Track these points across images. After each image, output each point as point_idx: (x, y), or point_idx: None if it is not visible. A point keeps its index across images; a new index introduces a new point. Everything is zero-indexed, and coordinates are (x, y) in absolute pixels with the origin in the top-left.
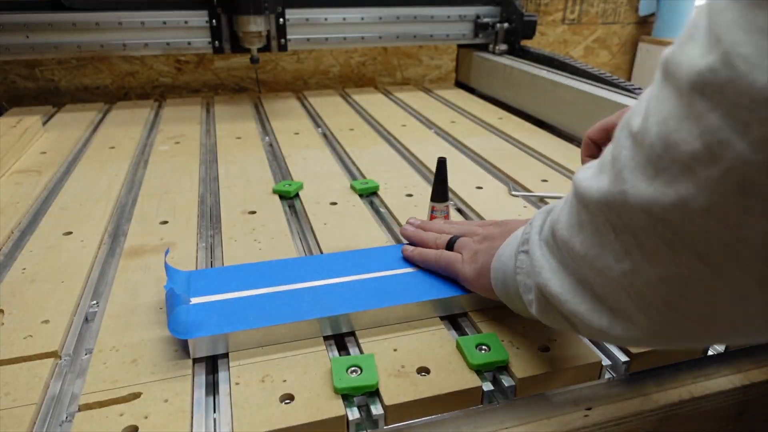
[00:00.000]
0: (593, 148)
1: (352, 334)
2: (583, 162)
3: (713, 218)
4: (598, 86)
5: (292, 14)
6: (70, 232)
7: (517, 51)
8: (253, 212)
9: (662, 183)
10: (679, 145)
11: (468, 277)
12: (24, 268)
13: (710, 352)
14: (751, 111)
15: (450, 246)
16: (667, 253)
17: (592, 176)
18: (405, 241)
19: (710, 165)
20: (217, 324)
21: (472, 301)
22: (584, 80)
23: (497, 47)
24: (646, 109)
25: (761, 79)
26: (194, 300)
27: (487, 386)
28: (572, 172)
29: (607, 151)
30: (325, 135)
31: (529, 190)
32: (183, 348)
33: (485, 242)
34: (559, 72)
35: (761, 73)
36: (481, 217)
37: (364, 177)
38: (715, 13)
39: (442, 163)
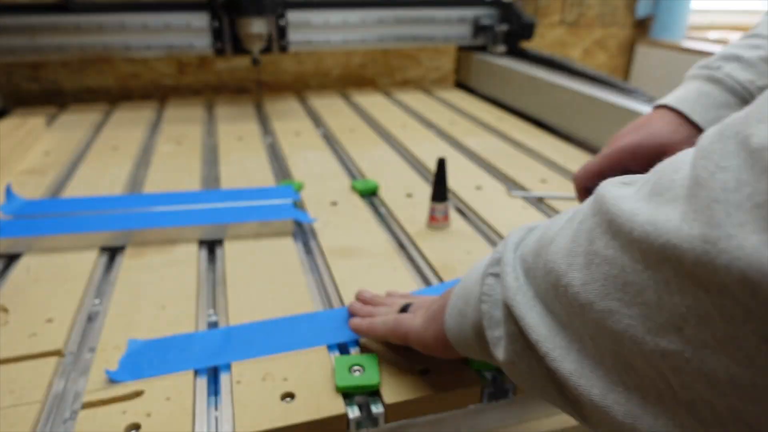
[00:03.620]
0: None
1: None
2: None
3: None
4: (597, 87)
5: (293, 16)
6: None
7: (516, 52)
8: None
9: None
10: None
11: (417, 328)
12: (28, 267)
13: None
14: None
15: (404, 311)
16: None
17: (640, 199)
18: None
19: None
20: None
21: None
22: (583, 81)
23: (496, 49)
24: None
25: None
26: None
27: (487, 385)
28: (572, 172)
29: (671, 167)
30: (325, 135)
31: (528, 190)
32: None
33: (444, 296)
34: (558, 73)
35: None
36: (480, 217)
37: (364, 177)
38: None
39: (441, 163)
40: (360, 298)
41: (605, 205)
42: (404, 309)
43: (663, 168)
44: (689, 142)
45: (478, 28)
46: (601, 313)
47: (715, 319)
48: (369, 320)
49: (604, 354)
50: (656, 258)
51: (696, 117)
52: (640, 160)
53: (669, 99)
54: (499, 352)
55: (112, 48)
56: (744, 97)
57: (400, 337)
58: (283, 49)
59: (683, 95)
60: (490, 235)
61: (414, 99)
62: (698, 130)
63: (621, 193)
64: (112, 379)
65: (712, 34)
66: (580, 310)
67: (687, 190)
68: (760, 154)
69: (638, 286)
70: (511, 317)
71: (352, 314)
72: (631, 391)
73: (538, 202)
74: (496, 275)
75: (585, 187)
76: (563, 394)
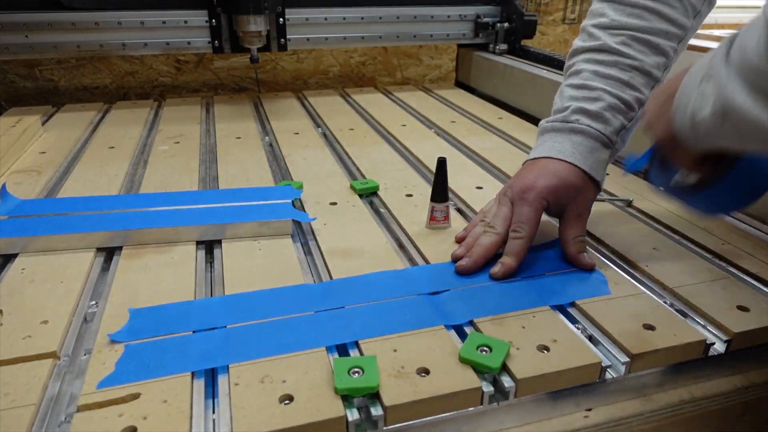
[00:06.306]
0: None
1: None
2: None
3: None
4: None
5: (292, 14)
6: None
7: (518, 51)
8: None
9: None
10: None
11: (651, 113)
12: (23, 269)
13: (711, 353)
14: None
15: None
16: None
17: None
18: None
19: None
20: None
21: None
22: None
23: (497, 47)
24: None
25: None
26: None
27: (487, 387)
28: None
29: None
30: (324, 135)
31: None
32: None
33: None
34: (559, 72)
35: None
36: None
37: (364, 177)
38: None
39: (442, 163)
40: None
41: None
42: None
43: None
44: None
45: (479, 26)
46: None
47: None
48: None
49: None
50: None
51: (585, 167)
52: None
53: (553, 153)
54: (705, 119)
55: (108, 46)
56: (604, 141)
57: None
58: (282, 47)
59: (561, 148)
60: None
61: (414, 98)
62: (587, 175)
63: None
64: (109, 382)
65: (716, 32)
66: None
67: None
68: None
69: None
70: (718, 95)
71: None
72: None
73: None
74: (710, 76)
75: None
76: (741, 133)
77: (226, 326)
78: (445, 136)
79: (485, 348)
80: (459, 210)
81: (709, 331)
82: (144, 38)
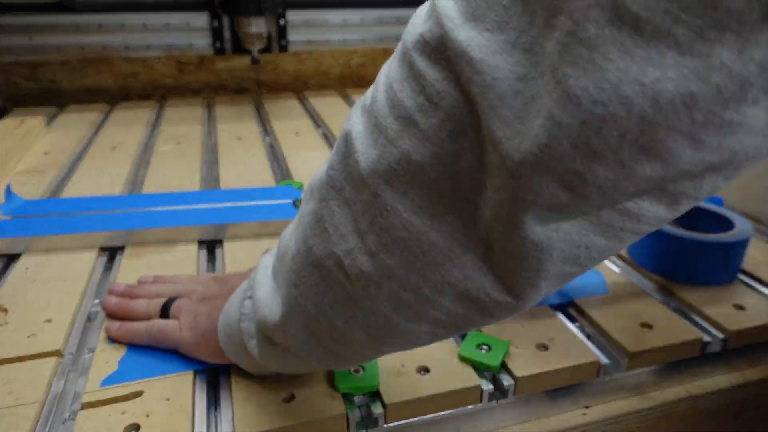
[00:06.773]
0: None
1: None
2: None
3: (432, 168)
4: None
5: (293, 15)
6: None
7: None
8: None
9: (386, 141)
10: (404, 101)
11: (189, 344)
12: (27, 268)
13: (707, 351)
14: (456, 63)
15: (165, 311)
16: (392, 216)
17: (322, 170)
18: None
19: (431, 114)
20: None
21: None
22: None
23: None
24: (375, 85)
25: (461, 35)
26: None
27: (487, 385)
28: None
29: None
30: (325, 135)
31: None
32: None
33: (205, 302)
34: None
35: (460, 31)
36: None
37: None
38: None
39: None
40: (112, 291)
41: (306, 188)
42: (165, 307)
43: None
44: None
45: None
46: (305, 251)
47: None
48: (128, 327)
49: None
50: (328, 200)
51: None
52: None
53: None
54: (257, 354)
55: (111, 48)
56: None
57: (168, 346)
58: (283, 48)
59: None
60: None
61: None
62: None
63: (314, 176)
64: (112, 380)
65: None
66: (292, 262)
67: (341, 145)
68: (368, 107)
69: (325, 219)
70: (258, 322)
71: (107, 313)
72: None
73: None
74: (250, 297)
75: None
76: (292, 353)
77: None
78: None
79: (485, 346)
80: None
81: (705, 329)
82: (147, 40)
